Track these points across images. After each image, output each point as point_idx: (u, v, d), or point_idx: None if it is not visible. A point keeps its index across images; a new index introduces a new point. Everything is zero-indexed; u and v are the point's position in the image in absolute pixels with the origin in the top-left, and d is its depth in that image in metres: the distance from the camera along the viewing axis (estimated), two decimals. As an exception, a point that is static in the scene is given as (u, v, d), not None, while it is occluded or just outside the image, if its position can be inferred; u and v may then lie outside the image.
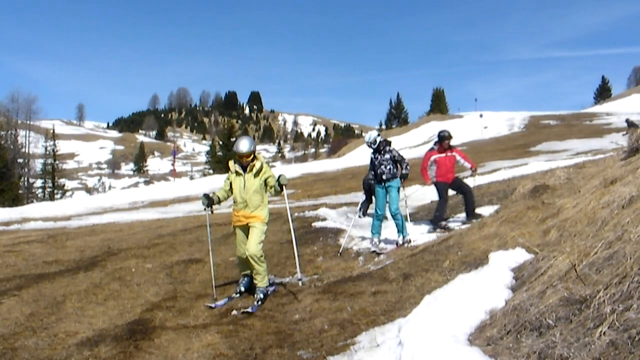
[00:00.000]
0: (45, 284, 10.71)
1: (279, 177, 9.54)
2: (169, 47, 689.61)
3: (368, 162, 13.17)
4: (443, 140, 14.73)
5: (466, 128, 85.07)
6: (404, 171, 12.60)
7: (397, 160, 12.54)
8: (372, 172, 12.85)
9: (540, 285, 5.66)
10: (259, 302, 9.02)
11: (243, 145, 9.43)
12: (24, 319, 8.51)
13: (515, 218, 10.16)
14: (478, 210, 14.78)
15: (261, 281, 9.33)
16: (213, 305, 8.85)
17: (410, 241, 12.49)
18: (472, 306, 5.80)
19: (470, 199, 14.74)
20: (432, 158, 14.75)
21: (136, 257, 13.32)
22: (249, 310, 8.58)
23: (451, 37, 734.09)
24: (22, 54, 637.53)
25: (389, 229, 13.37)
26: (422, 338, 5.04)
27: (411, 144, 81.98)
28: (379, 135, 12.73)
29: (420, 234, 13.50)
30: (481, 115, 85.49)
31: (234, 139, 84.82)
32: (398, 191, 12.62)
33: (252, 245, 9.22)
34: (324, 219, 16.71)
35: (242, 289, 9.67)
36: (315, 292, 9.28)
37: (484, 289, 6.22)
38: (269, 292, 9.56)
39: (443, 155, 14.68)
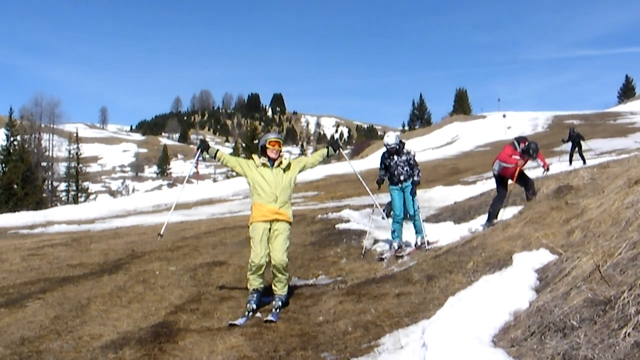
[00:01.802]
0: (70, 287, 10.78)
1: (330, 144, 9.78)
2: (191, 50, 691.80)
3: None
4: (528, 149, 13.47)
5: (489, 128, 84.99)
6: (415, 178, 12.42)
7: (412, 165, 12.48)
8: (385, 173, 12.81)
9: (564, 287, 5.64)
10: (278, 310, 8.65)
11: (273, 134, 9.25)
12: (49, 322, 8.54)
13: (539, 219, 10.12)
14: (500, 213, 14.65)
15: (282, 289, 8.96)
16: (237, 322, 8.26)
17: (428, 242, 12.48)
18: (496, 307, 5.79)
19: (532, 190, 13.73)
20: (514, 156, 13.38)
21: (160, 259, 13.39)
22: (271, 318, 8.25)
23: (474, 37, 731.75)
24: (46, 58, 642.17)
25: (410, 230, 13.30)
26: (446, 340, 5.04)
27: (434, 145, 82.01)
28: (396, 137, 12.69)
29: (443, 235, 13.44)
30: (504, 116, 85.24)
31: (257, 141, 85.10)
32: (414, 191, 12.51)
33: (280, 253, 8.74)
34: (348, 221, 16.73)
35: (254, 306, 8.78)
36: (339, 294, 9.26)
37: (507, 290, 6.20)
38: (287, 301, 9.16)
39: (521, 160, 13.43)
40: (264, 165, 8.99)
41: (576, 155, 30.20)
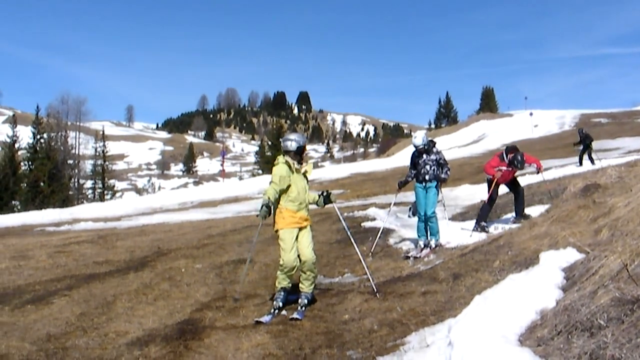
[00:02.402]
0: (96, 284, 10.86)
1: (328, 194, 9.34)
2: (217, 48, 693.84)
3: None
4: (517, 159, 14.00)
5: (516, 127, 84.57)
6: (443, 175, 12.45)
7: (441, 164, 12.46)
8: (413, 171, 12.73)
9: (591, 285, 5.61)
10: (304, 308, 8.64)
11: (298, 137, 9.11)
12: (75, 318, 8.62)
13: (566, 217, 10.06)
14: (528, 211, 14.66)
15: (308, 287, 8.89)
16: (262, 320, 8.27)
17: (441, 245, 12.47)
18: (523, 306, 5.76)
19: (521, 200, 14.53)
20: (498, 168, 14.27)
21: (186, 257, 13.44)
22: (297, 316, 8.27)
23: (500, 35, 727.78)
24: (72, 57, 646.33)
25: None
26: (472, 338, 5.02)
27: (460, 143, 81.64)
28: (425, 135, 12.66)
29: (467, 235, 13.40)
30: (531, 114, 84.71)
31: (282, 139, 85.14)
32: (436, 193, 12.54)
33: (309, 251, 8.78)
34: (374, 219, 16.70)
35: (281, 304, 8.81)
36: (365, 292, 9.25)
37: (534, 289, 6.17)
38: (310, 299, 9.02)
39: (509, 169, 14.24)
40: (297, 171, 8.90)
41: (586, 156, 29.79)
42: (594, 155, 29.48)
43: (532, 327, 5.41)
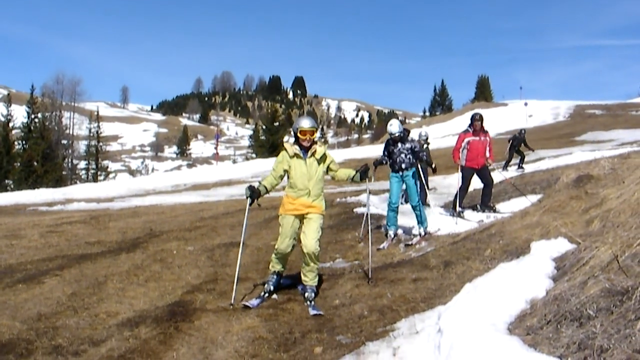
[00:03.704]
0: (87, 265, 10.85)
1: (366, 170, 8.85)
2: (213, 30, 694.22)
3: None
4: (473, 121, 14.71)
5: (511, 116, 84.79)
6: (421, 154, 12.42)
7: (416, 152, 12.36)
8: (387, 159, 12.65)
9: (581, 276, 5.62)
10: (313, 302, 8.19)
11: (306, 121, 8.48)
12: (66, 298, 8.61)
13: (558, 207, 10.08)
14: (516, 201, 14.79)
15: (312, 280, 8.44)
16: (249, 304, 8.15)
17: (430, 233, 12.47)
18: (513, 295, 5.78)
19: (489, 191, 14.83)
20: (466, 140, 14.64)
21: (178, 239, 13.45)
22: (315, 312, 7.79)
23: (497, 23, 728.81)
24: (67, 36, 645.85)
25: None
26: (461, 326, 5.04)
27: (455, 131, 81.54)
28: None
29: (459, 223, 13.43)
30: (526, 104, 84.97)
31: (277, 123, 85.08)
32: (415, 181, 12.47)
33: (312, 242, 8.27)
34: (366, 205, 16.71)
35: (272, 288, 8.66)
36: (356, 278, 9.28)
37: (525, 278, 6.19)
38: (317, 292, 8.63)
39: (477, 138, 14.58)
40: (296, 156, 8.47)
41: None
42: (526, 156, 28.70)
43: (521, 316, 5.43)
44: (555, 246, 7.51)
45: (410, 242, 11.96)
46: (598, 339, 4.06)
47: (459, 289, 6.56)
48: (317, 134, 8.55)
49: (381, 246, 11.99)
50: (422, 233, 12.36)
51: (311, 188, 8.39)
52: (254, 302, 8.24)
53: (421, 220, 12.44)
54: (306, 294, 8.38)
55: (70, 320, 7.58)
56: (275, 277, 8.75)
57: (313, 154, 8.44)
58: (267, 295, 8.53)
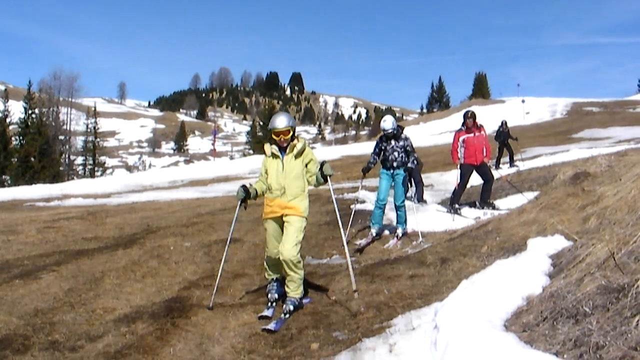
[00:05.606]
0: (84, 260, 10.84)
1: (322, 166, 7.83)
2: (211, 27, 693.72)
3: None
4: (465, 119, 14.86)
5: (508, 113, 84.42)
6: (409, 165, 12.19)
7: (408, 152, 12.29)
8: (375, 159, 12.63)
9: (578, 273, 5.63)
10: (287, 315, 7.56)
11: (280, 120, 7.84)
12: (63, 294, 8.61)
13: (554, 205, 10.09)
14: (512, 198, 14.83)
15: (294, 290, 7.82)
16: (265, 314, 7.58)
17: (406, 234, 12.43)
18: (509, 292, 5.79)
19: (489, 187, 14.88)
20: (461, 138, 14.77)
21: (175, 235, 13.45)
22: (271, 327, 7.08)
23: (495, 20, 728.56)
24: (65, 32, 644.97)
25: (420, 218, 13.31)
26: (458, 322, 5.05)
27: (452, 128, 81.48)
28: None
29: (457, 219, 13.45)
30: (523, 101, 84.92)
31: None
32: (404, 181, 12.43)
33: (288, 248, 7.59)
34: (363, 202, 16.69)
35: (276, 296, 8.04)
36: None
37: (521, 275, 6.20)
38: (303, 304, 8.01)
39: (471, 135, 14.69)
40: (273, 155, 8.03)
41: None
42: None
43: (518, 313, 5.44)
44: (552, 243, 7.53)
45: (387, 245, 11.95)
46: (594, 336, 4.07)
47: (455, 285, 6.58)
48: (301, 129, 8.22)
49: (358, 242, 12.00)
50: (400, 234, 12.31)
51: (286, 186, 7.83)
52: (268, 312, 7.70)
53: (401, 221, 12.39)
54: (284, 306, 7.75)
55: (67, 316, 7.57)
56: (275, 284, 8.18)
57: (291, 150, 7.93)
58: (274, 304, 7.97)
